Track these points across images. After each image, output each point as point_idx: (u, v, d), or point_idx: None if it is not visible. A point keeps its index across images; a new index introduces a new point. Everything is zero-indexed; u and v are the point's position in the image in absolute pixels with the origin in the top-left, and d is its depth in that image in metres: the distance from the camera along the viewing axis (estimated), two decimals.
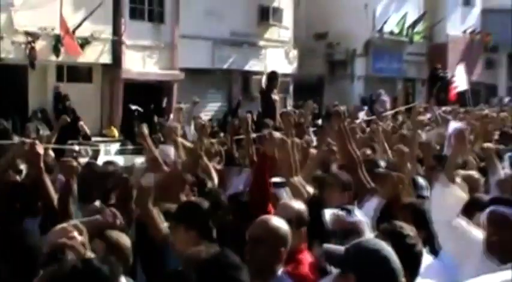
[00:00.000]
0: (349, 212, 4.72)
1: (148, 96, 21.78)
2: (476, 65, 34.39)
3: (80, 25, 19.28)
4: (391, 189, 6.34)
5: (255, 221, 4.55)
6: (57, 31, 18.72)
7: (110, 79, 21.36)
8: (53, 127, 17.66)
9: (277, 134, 6.02)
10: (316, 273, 4.78)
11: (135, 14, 21.97)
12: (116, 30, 20.85)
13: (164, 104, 22.61)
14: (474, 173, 7.41)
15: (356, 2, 28.83)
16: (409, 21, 30.80)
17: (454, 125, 9.37)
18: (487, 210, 4.57)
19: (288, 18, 27.23)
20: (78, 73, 20.89)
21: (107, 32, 20.57)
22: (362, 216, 4.76)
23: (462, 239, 4.78)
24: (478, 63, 34.76)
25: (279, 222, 4.49)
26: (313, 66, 28.93)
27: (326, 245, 3.66)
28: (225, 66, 25.04)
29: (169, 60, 22.91)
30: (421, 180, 7.11)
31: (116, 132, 20.83)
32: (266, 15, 26.15)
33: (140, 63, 22.16)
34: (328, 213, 4.71)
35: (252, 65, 25.76)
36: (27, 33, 18.46)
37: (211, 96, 24.76)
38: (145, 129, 8.01)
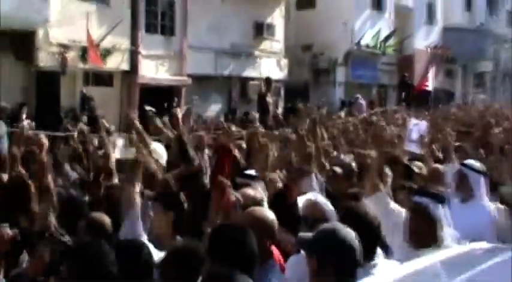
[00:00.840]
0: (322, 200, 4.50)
1: (160, 99, 21.74)
2: (438, 74, 34.73)
3: (103, 38, 19.47)
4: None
5: (243, 212, 4.19)
6: (85, 43, 18.87)
7: (128, 84, 21.45)
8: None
9: (234, 129, 5.46)
10: (280, 254, 4.42)
11: (149, 28, 22.12)
12: (134, 42, 20.97)
13: (174, 105, 22.76)
14: (439, 166, 7.36)
15: (337, 19, 28.84)
16: (382, 36, 30.92)
17: (414, 122, 9.34)
18: (413, 199, 4.42)
19: (279, 32, 27.24)
20: (101, 78, 20.98)
21: (125, 43, 20.71)
22: (329, 205, 4.47)
23: (393, 218, 4.66)
24: (439, 72, 35.09)
25: (265, 213, 4.08)
26: (301, 74, 29.01)
27: (300, 234, 3.60)
28: (226, 73, 25.09)
29: (178, 67, 23.01)
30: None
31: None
32: (261, 30, 26.23)
33: (154, 70, 22.26)
34: (304, 199, 4.50)
35: (249, 72, 25.83)
36: (60, 45, 18.60)
37: (213, 99, 24.90)
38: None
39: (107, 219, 4.41)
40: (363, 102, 25.64)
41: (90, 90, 20.06)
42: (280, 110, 25.10)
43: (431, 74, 27.01)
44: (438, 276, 2.78)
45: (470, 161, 6.38)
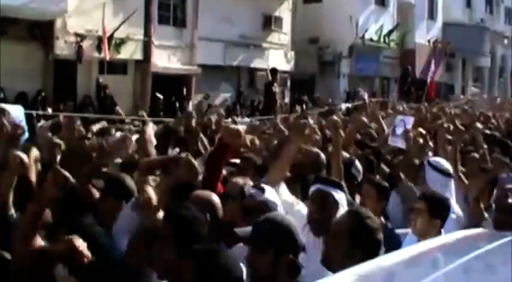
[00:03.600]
0: (262, 190, 4.10)
1: (172, 87, 21.90)
2: (439, 68, 34.71)
3: (118, 28, 19.46)
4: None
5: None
6: (100, 33, 18.89)
7: (141, 72, 21.38)
8: (95, 110, 18.19)
9: (234, 126, 5.20)
10: None
11: (162, 20, 22.13)
12: (147, 33, 20.91)
13: (184, 93, 22.84)
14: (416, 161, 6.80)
15: (342, 13, 28.75)
16: (385, 30, 31.02)
17: (400, 117, 8.86)
18: (312, 188, 4.25)
19: (286, 25, 27.26)
20: (116, 67, 20.90)
21: (139, 34, 20.68)
22: (274, 197, 4.12)
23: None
24: (440, 66, 35.08)
25: (202, 193, 4.06)
26: (307, 65, 28.86)
27: (236, 229, 3.42)
28: (235, 64, 25.08)
29: (189, 57, 22.99)
30: (358, 164, 6.09)
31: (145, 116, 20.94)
32: (269, 23, 26.26)
33: (166, 60, 22.24)
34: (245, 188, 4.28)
35: (257, 63, 25.76)
36: (76, 35, 18.65)
37: (222, 88, 24.89)
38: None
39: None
40: (364, 93, 25.78)
41: (105, 78, 20.09)
42: (286, 100, 25.13)
43: (433, 66, 26.96)
44: (436, 261, 2.78)
45: (436, 160, 5.97)
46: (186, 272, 2.77)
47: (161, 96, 20.94)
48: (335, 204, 4.08)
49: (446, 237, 3.04)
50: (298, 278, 3.11)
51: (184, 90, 22.87)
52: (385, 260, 2.68)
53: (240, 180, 4.64)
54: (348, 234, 3.19)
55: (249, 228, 3.26)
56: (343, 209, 4.05)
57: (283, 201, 4.38)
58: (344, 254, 3.16)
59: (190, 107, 21.35)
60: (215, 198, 4.08)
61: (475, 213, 5.27)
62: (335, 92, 28.67)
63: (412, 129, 7.95)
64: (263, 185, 4.19)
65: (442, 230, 4.38)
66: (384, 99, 24.49)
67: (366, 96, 25.10)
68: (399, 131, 8.13)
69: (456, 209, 5.45)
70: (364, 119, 9.51)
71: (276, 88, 22.48)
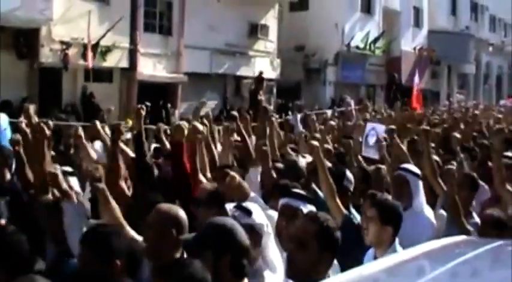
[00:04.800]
0: (248, 213, 3.67)
1: (158, 95, 21.81)
2: (424, 75, 34.95)
3: (103, 36, 19.34)
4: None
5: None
6: (86, 41, 18.72)
7: (127, 80, 21.26)
8: (81, 118, 18.08)
9: (185, 124, 5.18)
10: None
11: (148, 28, 22.02)
12: (133, 41, 20.83)
13: (170, 102, 22.77)
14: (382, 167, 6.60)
15: (328, 21, 28.88)
16: (371, 38, 31.14)
17: (371, 125, 8.47)
18: (281, 201, 4.27)
19: (273, 33, 27.24)
20: (101, 75, 20.75)
21: (125, 42, 20.58)
22: (262, 217, 3.76)
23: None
24: (425, 73, 35.30)
25: (169, 207, 3.73)
26: (293, 73, 28.88)
27: (182, 237, 3.38)
28: (221, 72, 25.00)
29: (175, 65, 22.90)
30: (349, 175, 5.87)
31: (131, 124, 20.87)
32: (255, 30, 26.20)
33: (151, 68, 22.13)
34: (228, 209, 3.80)
35: (243, 71, 25.79)
36: (62, 42, 18.46)
37: (209, 96, 24.71)
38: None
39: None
40: (350, 100, 25.81)
41: (91, 87, 19.96)
42: (272, 108, 25.12)
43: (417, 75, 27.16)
44: (421, 268, 2.78)
45: (408, 165, 5.92)
46: None
47: (149, 104, 20.85)
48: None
49: (431, 244, 3.03)
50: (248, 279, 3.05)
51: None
52: (370, 268, 2.66)
53: (208, 185, 4.59)
54: (315, 239, 3.16)
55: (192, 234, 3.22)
56: None
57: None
58: (315, 259, 3.15)
59: (177, 115, 21.40)
60: (179, 212, 3.75)
61: (459, 226, 5.20)
62: (321, 100, 28.74)
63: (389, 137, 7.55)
64: (249, 207, 3.81)
65: (397, 239, 4.33)
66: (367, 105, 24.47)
67: (352, 104, 25.11)
68: (371, 140, 7.85)
69: (426, 209, 5.52)
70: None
71: (262, 96, 22.54)
